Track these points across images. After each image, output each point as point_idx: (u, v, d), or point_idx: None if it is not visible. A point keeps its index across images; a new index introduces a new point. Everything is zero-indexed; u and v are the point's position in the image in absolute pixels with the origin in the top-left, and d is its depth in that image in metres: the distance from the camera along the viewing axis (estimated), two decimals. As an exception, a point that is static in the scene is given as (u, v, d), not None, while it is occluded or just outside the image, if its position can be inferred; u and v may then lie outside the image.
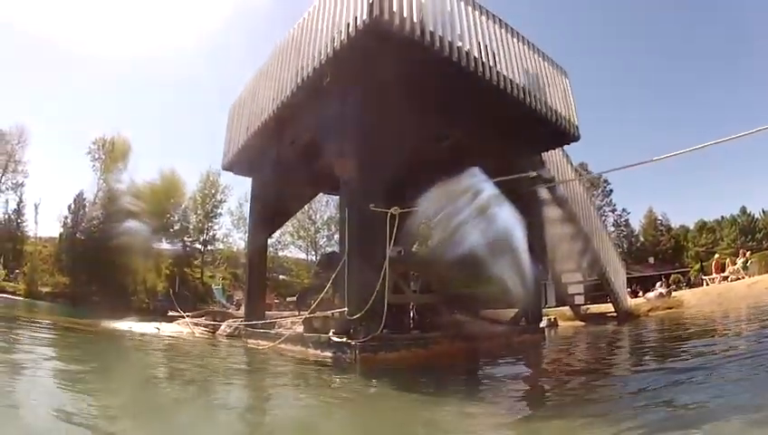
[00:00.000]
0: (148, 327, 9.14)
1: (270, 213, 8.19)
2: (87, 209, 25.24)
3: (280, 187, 7.53)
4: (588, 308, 11.50)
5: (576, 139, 7.74)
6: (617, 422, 2.27)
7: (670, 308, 11.93)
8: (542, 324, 10.45)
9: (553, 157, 8.84)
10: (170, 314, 10.53)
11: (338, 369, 4.51)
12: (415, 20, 5.09)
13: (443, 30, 5.44)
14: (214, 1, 43.88)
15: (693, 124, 47.31)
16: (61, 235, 25.86)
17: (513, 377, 4.34)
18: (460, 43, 5.58)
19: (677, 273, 29.19)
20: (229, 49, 49.57)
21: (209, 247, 28.64)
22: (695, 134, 42.10)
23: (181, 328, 9.34)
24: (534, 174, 7.59)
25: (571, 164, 10.05)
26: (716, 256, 18.89)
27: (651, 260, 35.18)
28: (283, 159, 7.08)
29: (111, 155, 25.32)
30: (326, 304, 5.81)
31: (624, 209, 39.49)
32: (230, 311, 11.48)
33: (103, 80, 45.95)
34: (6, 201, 28.78)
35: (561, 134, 7.47)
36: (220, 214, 29.07)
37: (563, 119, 7.27)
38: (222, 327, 8.94)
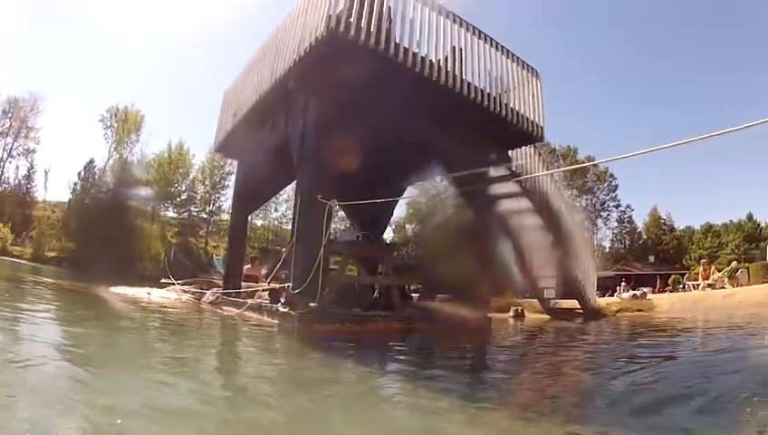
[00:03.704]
0: (140, 292, 10.00)
1: (250, 194, 8.92)
2: (97, 177, 26.30)
3: (260, 172, 8.18)
4: (557, 303, 11.94)
5: (540, 139, 8.15)
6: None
7: (640, 311, 12.03)
8: (509, 314, 11.08)
9: (522, 153, 9.23)
10: (162, 280, 11.34)
11: (281, 334, 5.21)
12: (372, 29, 5.57)
13: (401, 37, 5.89)
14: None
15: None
16: (69, 200, 26.91)
17: (416, 354, 4.91)
18: (417, 49, 6.02)
19: (677, 274, 29.34)
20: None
21: (215, 218, 29.65)
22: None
23: (170, 294, 10.16)
24: (491, 170, 8.08)
25: (544, 160, 10.47)
26: (703, 261, 19.29)
27: (651, 259, 35.35)
28: (262, 147, 7.69)
29: (124, 125, 26.25)
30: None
31: (628, 205, 39.55)
32: (218, 281, 12.26)
33: (124, 52, 46.90)
34: (17, 167, 30.10)
35: (525, 135, 7.86)
36: (227, 185, 29.93)
37: (527, 121, 7.60)
38: (206, 295, 9.75)
